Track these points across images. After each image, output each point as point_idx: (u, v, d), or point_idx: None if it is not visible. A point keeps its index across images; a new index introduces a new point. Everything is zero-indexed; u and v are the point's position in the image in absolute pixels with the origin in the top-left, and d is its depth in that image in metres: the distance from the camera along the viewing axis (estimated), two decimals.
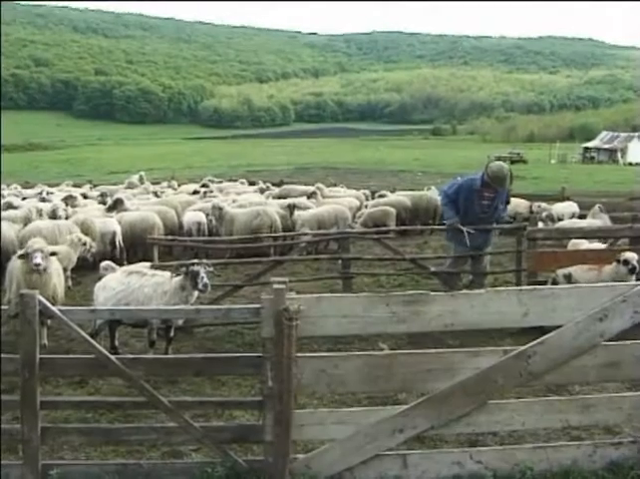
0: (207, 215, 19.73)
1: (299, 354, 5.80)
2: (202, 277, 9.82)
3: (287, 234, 17.55)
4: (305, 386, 5.93)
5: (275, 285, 5.74)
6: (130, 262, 14.91)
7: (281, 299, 5.67)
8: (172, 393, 8.37)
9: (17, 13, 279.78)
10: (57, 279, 11.69)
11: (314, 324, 5.84)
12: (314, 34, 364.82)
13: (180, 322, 10.44)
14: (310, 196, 23.38)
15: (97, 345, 6.09)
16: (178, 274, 9.96)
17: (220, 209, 19.20)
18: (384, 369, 5.95)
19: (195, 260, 10.11)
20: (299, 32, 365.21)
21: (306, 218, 19.25)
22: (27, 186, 38.70)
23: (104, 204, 22.70)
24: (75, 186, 36.70)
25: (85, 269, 15.97)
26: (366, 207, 23.77)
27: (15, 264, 11.95)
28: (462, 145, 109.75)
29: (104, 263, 11.84)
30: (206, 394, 8.83)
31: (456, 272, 12.96)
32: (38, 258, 10.94)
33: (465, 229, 12.34)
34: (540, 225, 17.73)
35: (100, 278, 11.26)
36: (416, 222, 23.05)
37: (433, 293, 6.02)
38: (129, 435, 6.24)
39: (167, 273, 10.41)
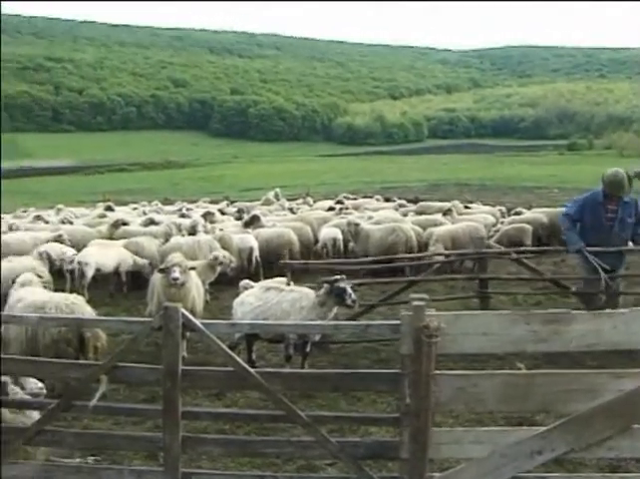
0: (343, 231, 19.87)
1: (437, 372, 5.76)
2: (350, 294, 9.88)
3: (423, 254, 17.44)
4: (443, 404, 5.87)
5: (415, 302, 5.72)
6: (266, 278, 15.16)
7: (421, 316, 5.64)
8: (309, 408, 8.45)
9: (157, 37, 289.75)
10: (196, 293, 12.03)
11: (453, 342, 5.79)
12: (447, 50, 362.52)
13: (317, 338, 10.54)
14: (445, 213, 23.23)
15: (238, 359, 6.22)
16: (325, 290, 10.03)
17: (356, 225, 19.31)
18: (523, 389, 5.83)
19: (338, 277, 10.16)
20: (432, 48, 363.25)
21: (440, 234, 19.10)
22: (166, 202, 40.04)
23: (240, 219, 23.18)
24: (212, 202, 37.70)
25: (222, 284, 16.31)
26: (502, 223, 23.42)
27: (156, 278, 12.37)
28: (598, 160, 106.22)
29: (243, 282, 12.09)
30: (341, 409, 8.89)
31: (595, 292, 12.51)
32: (176, 273, 11.31)
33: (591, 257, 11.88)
34: None
35: (238, 294, 11.51)
36: (552, 239, 22.50)
37: (574, 312, 5.89)
38: (265, 448, 6.32)
39: (305, 289, 10.54)
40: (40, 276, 12.79)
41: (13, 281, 12.10)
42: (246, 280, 12.31)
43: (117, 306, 16.12)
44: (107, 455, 7.65)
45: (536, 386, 5.82)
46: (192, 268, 12.11)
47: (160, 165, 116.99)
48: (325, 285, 10.06)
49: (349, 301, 9.90)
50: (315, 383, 6.49)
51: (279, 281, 12.01)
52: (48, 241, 18.44)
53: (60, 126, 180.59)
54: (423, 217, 23.28)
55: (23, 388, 6.92)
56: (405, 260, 17.24)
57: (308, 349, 10.53)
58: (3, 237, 19.55)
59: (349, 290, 9.91)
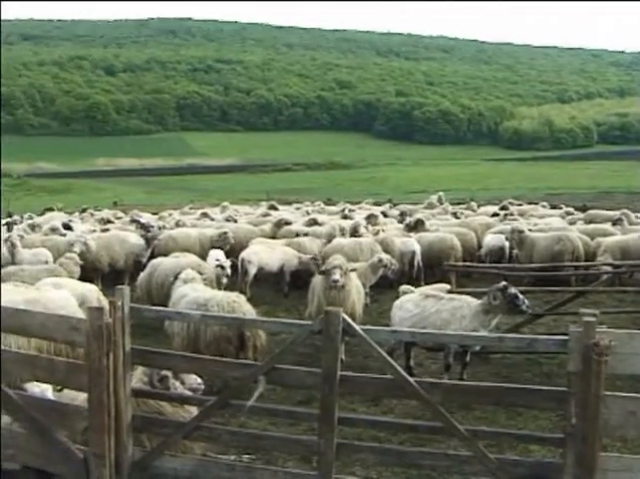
0: (507, 238, 19.41)
1: (608, 393, 5.45)
2: (523, 299, 9.62)
3: (589, 263, 16.83)
4: (612, 428, 5.55)
5: (585, 318, 5.43)
6: (427, 283, 14.99)
7: (591, 333, 5.35)
8: (466, 420, 8.26)
9: (323, 39, 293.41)
10: (356, 296, 12.01)
11: (623, 362, 5.47)
12: (621, 52, 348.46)
13: (478, 348, 10.30)
14: (615, 222, 22.32)
15: (397, 368, 6.11)
16: (496, 298, 9.75)
17: (521, 232, 18.80)
18: None
19: (505, 283, 9.89)
20: (604, 50, 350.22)
21: (609, 244, 18.36)
22: (329, 203, 40.42)
23: (402, 222, 23.07)
24: (375, 204, 37.74)
25: (383, 288, 16.24)
26: None
27: (317, 280, 12.45)
28: None
29: (403, 287, 11.97)
30: (500, 423, 8.65)
31: None
32: (336, 275, 11.34)
33: None
34: None
35: (397, 298, 11.41)
36: None
37: None
38: (422, 459, 6.21)
39: (466, 297, 10.33)
40: (201, 273, 13.10)
41: (175, 277, 12.43)
42: (407, 285, 12.18)
43: (277, 306, 16.35)
44: (261, 454, 7.71)
45: None
46: (353, 270, 12.10)
47: (323, 165, 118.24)
48: (494, 292, 9.77)
49: (523, 307, 9.63)
50: (476, 397, 6.31)
51: (440, 288, 11.83)
52: (212, 240, 19.01)
53: (227, 125, 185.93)
54: (591, 226, 22.44)
55: (183, 383, 7.05)
56: (571, 270, 16.64)
57: (468, 359, 10.31)
58: (171, 232, 20.31)
59: (521, 296, 9.63)
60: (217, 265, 14.41)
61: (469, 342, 8.89)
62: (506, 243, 19.57)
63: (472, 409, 9.05)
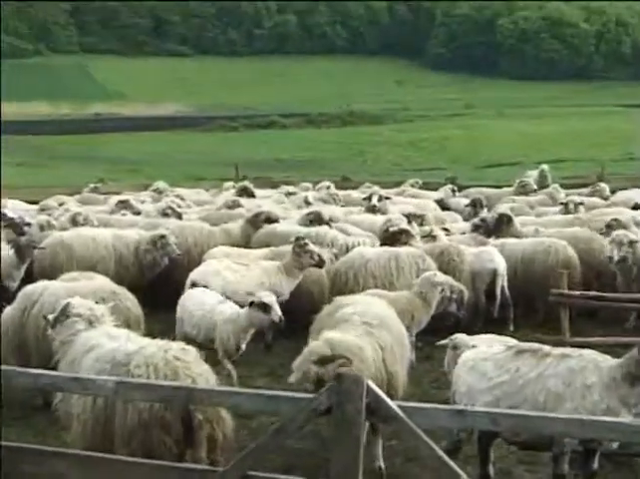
0: (610, 259, 18.53)
1: None
2: None
3: None
4: None
5: None
6: (516, 326, 15.00)
7: None
8: None
9: None
10: (397, 350, 11.97)
11: None
12: None
13: (615, 446, 10.22)
14: None
15: (465, 477, 6.10)
16: None
17: (633, 243, 18.21)
18: None
19: None
20: None
21: None
22: (345, 184, 40.33)
23: (472, 219, 23.03)
24: (425, 187, 37.69)
25: (440, 334, 16.02)
26: None
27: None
28: None
29: (458, 338, 11.93)
30: None
31: None
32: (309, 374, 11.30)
33: None
34: None
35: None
36: None
37: None
38: None
39: (592, 353, 10.27)
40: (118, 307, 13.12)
41: (64, 314, 12.30)
42: (461, 336, 12.18)
43: (254, 366, 16.35)
44: None
45: None
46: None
47: (336, 117, 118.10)
48: None
49: None
50: None
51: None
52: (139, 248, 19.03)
53: (164, 44, 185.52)
54: None
55: None
56: None
57: (596, 465, 10.24)
58: (63, 235, 20.21)
59: None
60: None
61: (597, 434, 8.78)
62: None
63: None
